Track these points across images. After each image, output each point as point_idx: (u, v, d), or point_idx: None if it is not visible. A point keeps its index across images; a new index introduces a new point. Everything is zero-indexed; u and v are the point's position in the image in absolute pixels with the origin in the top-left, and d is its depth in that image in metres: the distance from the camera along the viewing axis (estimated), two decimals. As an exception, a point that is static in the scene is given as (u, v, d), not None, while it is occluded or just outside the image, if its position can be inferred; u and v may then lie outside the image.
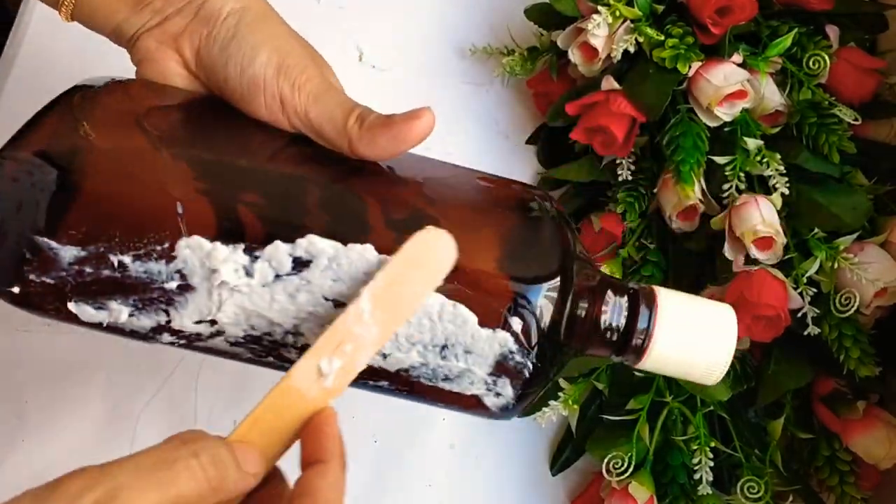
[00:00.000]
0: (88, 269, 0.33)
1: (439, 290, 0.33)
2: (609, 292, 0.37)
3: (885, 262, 0.50)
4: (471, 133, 0.66)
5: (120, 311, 0.34)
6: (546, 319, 0.34)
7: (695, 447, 0.52)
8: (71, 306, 0.34)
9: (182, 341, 0.35)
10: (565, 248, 0.36)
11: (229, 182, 0.35)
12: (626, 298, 0.37)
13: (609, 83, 0.55)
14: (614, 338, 0.36)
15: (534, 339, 0.34)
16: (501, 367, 0.35)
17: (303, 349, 0.34)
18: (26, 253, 0.33)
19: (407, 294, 0.33)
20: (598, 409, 0.56)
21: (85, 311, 0.34)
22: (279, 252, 0.33)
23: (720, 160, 0.53)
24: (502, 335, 0.34)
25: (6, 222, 0.33)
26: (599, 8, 0.54)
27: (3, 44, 0.65)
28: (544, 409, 0.55)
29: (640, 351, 0.36)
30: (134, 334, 0.35)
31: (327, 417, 0.32)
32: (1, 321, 0.59)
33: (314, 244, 0.33)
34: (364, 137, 0.37)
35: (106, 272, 0.33)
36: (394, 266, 0.32)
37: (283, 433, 0.32)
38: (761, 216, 0.50)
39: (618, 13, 0.54)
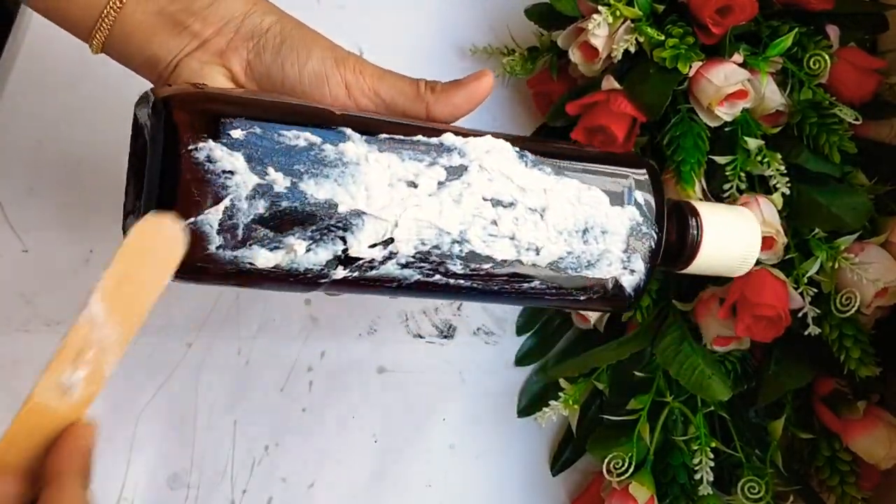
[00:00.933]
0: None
1: (572, 177, 0.38)
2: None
3: (885, 262, 0.51)
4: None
5: (299, 246, 0.34)
6: (657, 195, 0.40)
7: (695, 447, 0.53)
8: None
9: (354, 273, 0.36)
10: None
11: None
12: (674, 215, 0.42)
13: (609, 83, 0.55)
14: (668, 249, 0.41)
15: (653, 210, 0.40)
16: (632, 242, 0.39)
17: (467, 258, 0.37)
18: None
19: (139, 288, 0.32)
20: (599, 409, 0.56)
21: (260, 254, 0.34)
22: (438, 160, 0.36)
23: (721, 160, 0.53)
24: (630, 209, 0.39)
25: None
26: (600, 8, 0.54)
27: (4, 44, 0.65)
28: (544, 409, 0.55)
29: (691, 257, 0.42)
30: (306, 276, 0.35)
31: (70, 433, 0.31)
32: (1, 322, 0.59)
33: (473, 145, 0.37)
34: (440, 99, 0.40)
35: (284, 203, 0.34)
36: (119, 263, 0.31)
37: (39, 449, 0.31)
38: (762, 216, 0.50)
39: (618, 13, 0.54)
